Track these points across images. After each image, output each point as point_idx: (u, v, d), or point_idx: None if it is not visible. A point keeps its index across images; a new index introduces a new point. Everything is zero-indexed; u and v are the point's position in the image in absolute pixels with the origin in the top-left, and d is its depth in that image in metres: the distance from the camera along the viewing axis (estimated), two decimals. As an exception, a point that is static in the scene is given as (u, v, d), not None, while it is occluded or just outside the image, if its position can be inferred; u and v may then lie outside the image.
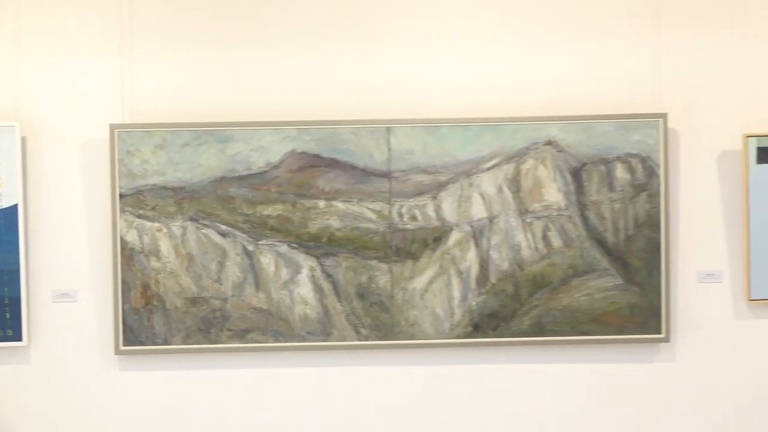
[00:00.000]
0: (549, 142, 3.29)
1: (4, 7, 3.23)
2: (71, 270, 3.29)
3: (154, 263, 3.25)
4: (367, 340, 3.31)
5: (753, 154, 3.29)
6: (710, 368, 3.37)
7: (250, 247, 3.29)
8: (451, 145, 3.28)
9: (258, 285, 3.30)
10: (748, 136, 3.27)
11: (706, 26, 3.35)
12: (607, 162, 3.28)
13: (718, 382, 3.36)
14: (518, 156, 3.27)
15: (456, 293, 3.27)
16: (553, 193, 3.26)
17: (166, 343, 3.28)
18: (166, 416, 3.36)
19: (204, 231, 3.25)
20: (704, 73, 3.35)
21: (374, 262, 3.29)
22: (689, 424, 3.39)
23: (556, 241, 3.32)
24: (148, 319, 3.26)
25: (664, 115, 3.27)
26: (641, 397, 3.39)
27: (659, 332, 3.25)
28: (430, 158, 3.27)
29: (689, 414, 3.38)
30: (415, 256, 3.28)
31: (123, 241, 3.20)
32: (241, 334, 3.31)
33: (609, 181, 3.31)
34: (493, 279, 3.26)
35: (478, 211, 3.27)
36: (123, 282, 3.20)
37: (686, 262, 3.36)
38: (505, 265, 3.26)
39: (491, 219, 3.30)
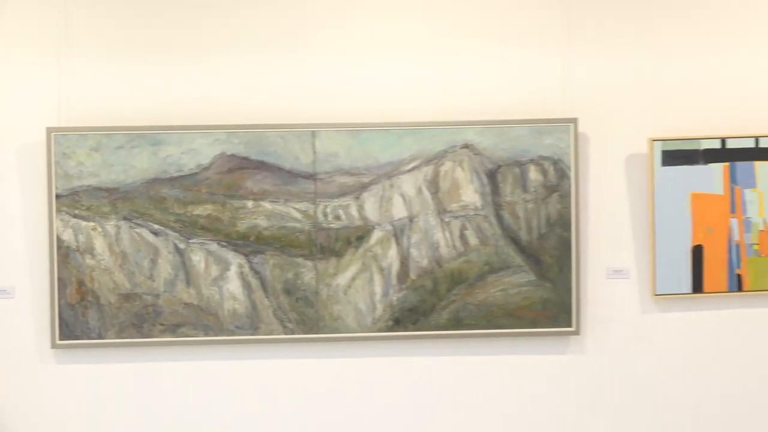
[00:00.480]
0: (466, 146, 3.44)
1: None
2: (9, 267, 3.42)
3: (89, 261, 3.40)
4: (293, 334, 3.46)
5: (658, 157, 3.47)
6: (617, 359, 3.53)
7: (182, 246, 3.44)
8: (374, 148, 3.42)
9: (189, 281, 3.45)
10: (654, 140, 3.44)
11: (613, 37, 3.53)
12: (520, 164, 3.42)
13: (624, 371, 3.50)
14: (437, 158, 3.40)
15: (378, 289, 3.40)
16: (470, 194, 3.40)
17: (100, 337, 3.40)
18: (100, 407, 3.49)
19: (137, 230, 3.40)
20: (612, 80, 3.52)
21: (300, 260, 3.43)
22: (598, 411, 3.58)
23: (473, 240, 3.49)
24: (83, 314, 3.40)
25: (574, 120, 3.42)
26: (553, 387, 3.56)
27: (570, 326, 3.41)
28: (353, 161, 3.39)
29: (598, 402, 3.57)
30: (339, 254, 3.39)
31: (59, 240, 3.37)
32: (173, 329, 3.44)
33: (523, 182, 3.46)
34: (413, 275, 3.40)
35: (398, 211, 3.40)
36: (59, 279, 3.37)
37: (595, 259, 3.53)
38: (425, 262, 3.40)
39: (411, 218, 3.44)
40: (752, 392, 3.58)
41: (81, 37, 3.42)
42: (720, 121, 3.51)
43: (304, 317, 3.46)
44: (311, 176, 3.45)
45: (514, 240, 3.43)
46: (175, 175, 3.42)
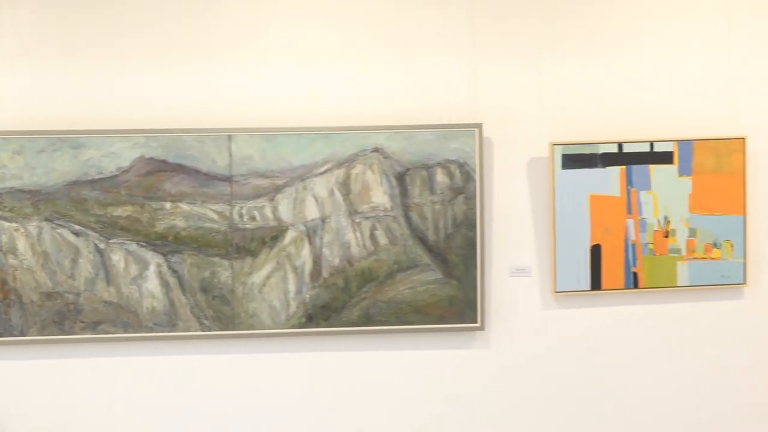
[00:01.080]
0: (376, 149, 3.50)
1: None
2: (-67, 267, 3.44)
3: (12, 260, 3.55)
4: (209, 331, 3.59)
5: (558, 161, 3.59)
6: (520, 353, 3.61)
7: (102, 246, 3.58)
8: (287, 152, 3.48)
9: (109, 280, 3.59)
10: (555, 145, 3.52)
11: (517, 45, 3.68)
12: (428, 167, 3.48)
13: (527, 365, 3.56)
14: (348, 162, 3.46)
15: (291, 287, 3.48)
16: (380, 196, 3.47)
17: (22, 334, 3.51)
18: (22, 403, 3.63)
19: (59, 231, 3.51)
20: (516, 87, 3.68)
21: (216, 259, 3.50)
22: (502, 402, 3.73)
23: (383, 239, 3.60)
24: (6, 312, 3.53)
25: (479, 125, 3.50)
26: (459, 380, 3.71)
27: (475, 321, 3.50)
28: (268, 164, 3.43)
29: (502, 394, 3.70)
30: (254, 254, 3.46)
31: (-18, 240, 3.42)
32: (93, 326, 3.55)
33: (430, 184, 3.52)
34: (325, 274, 3.48)
35: (311, 212, 3.47)
36: (-18, 278, 3.41)
37: (499, 258, 3.62)
38: (336, 261, 3.47)
39: (324, 219, 3.51)
40: (646, 385, 3.78)
41: (2, 42, 3.53)
42: (617, 127, 3.70)
43: (221, 314, 3.55)
44: (227, 179, 3.57)
45: (422, 240, 3.52)
46: (96, 177, 3.51)
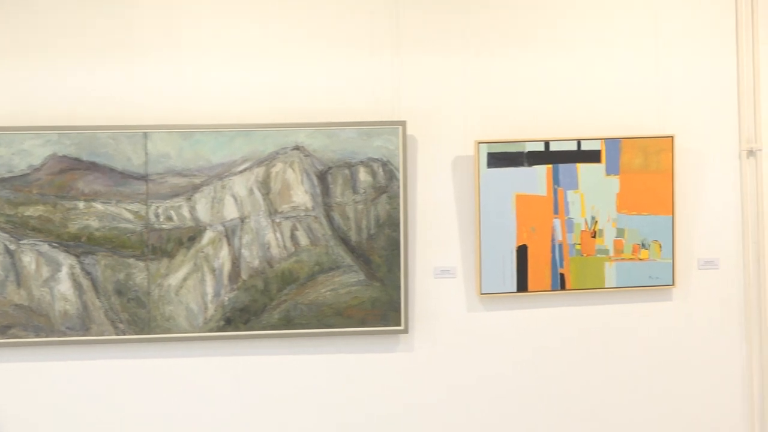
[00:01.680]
0: (297, 147, 3.58)
1: None
2: None
3: None
4: (124, 335, 3.58)
5: (484, 159, 3.67)
6: (444, 356, 3.71)
7: (12, 247, 3.56)
8: (205, 150, 3.54)
9: (19, 283, 3.57)
10: (480, 143, 3.60)
11: (442, 42, 3.70)
12: (350, 166, 3.56)
13: (451, 367, 3.65)
14: (268, 160, 3.51)
15: (209, 289, 3.51)
16: (301, 195, 3.52)
17: (-72, 338, 3.37)
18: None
19: (-33, 231, 3.40)
20: (440, 84, 3.70)
21: (132, 260, 3.56)
22: (426, 407, 3.75)
23: (304, 240, 3.64)
24: None
25: (403, 123, 3.56)
26: (383, 385, 3.72)
27: (399, 324, 3.54)
28: (185, 162, 3.51)
29: (426, 398, 3.75)
30: (170, 255, 3.50)
31: None
32: (3, 330, 3.54)
33: (353, 183, 3.59)
34: (244, 276, 3.52)
35: (230, 211, 3.52)
36: None
37: (423, 258, 3.71)
38: (256, 263, 3.50)
39: (243, 219, 3.56)
40: (574, 388, 3.79)
41: None
42: (544, 125, 3.72)
43: (136, 318, 3.58)
44: (143, 177, 3.58)
45: (344, 240, 3.55)
46: (6, 176, 3.52)
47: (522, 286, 3.74)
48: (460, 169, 3.73)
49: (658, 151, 3.75)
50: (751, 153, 3.86)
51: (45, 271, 3.58)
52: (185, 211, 3.61)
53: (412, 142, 3.70)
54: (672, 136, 3.75)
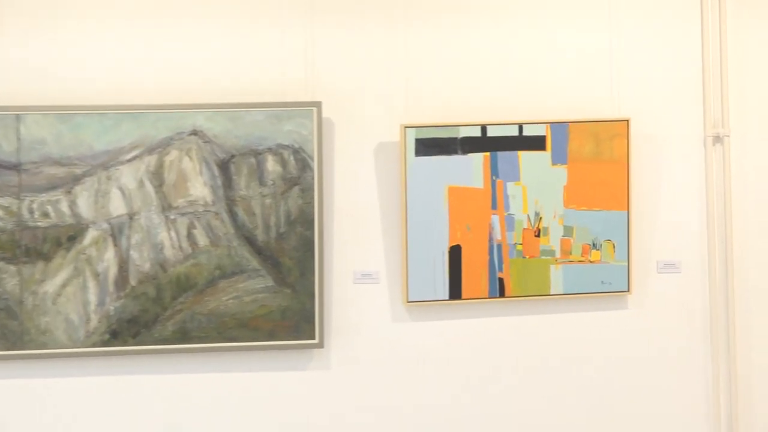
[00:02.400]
0: (195, 132, 3.65)
1: None
2: None
3: None
4: (-8, 351, 3.60)
5: (411, 146, 3.74)
6: (366, 374, 3.77)
7: None
8: (88, 135, 3.59)
9: None
10: (406, 127, 3.68)
11: (363, 14, 3.89)
12: (257, 154, 3.68)
13: (373, 387, 3.75)
14: (161, 147, 3.64)
15: (92, 297, 3.61)
16: (199, 188, 3.65)
17: None
18: None
19: None
20: (361, 61, 3.90)
21: (1, 264, 3.57)
22: (343, 431, 3.63)
23: (203, 240, 3.70)
24: None
25: (317, 104, 3.64)
26: (295, 407, 3.76)
27: (312, 337, 3.69)
28: (63, 149, 3.57)
29: (345, 422, 3.81)
30: (47, 257, 3.59)
31: None
32: None
33: (259, 174, 3.68)
34: (133, 281, 3.63)
35: (117, 207, 3.63)
36: None
37: (341, 261, 3.78)
38: (147, 266, 3.63)
39: (132, 216, 3.65)
40: (515, 408, 4.03)
41: None
42: (481, 107, 3.95)
43: (6, 330, 3.58)
44: (15, 167, 3.62)
45: (250, 240, 3.67)
46: None
47: (455, 292, 3.86)
48: (383, 158, 3.83)
49: (612, 137, 4.02)
50: (717, 139, 4.14)
51: None
52: (64, 207, 3.64)
53: (328, 127, 3.83)
54: (627, 120, 4.00)
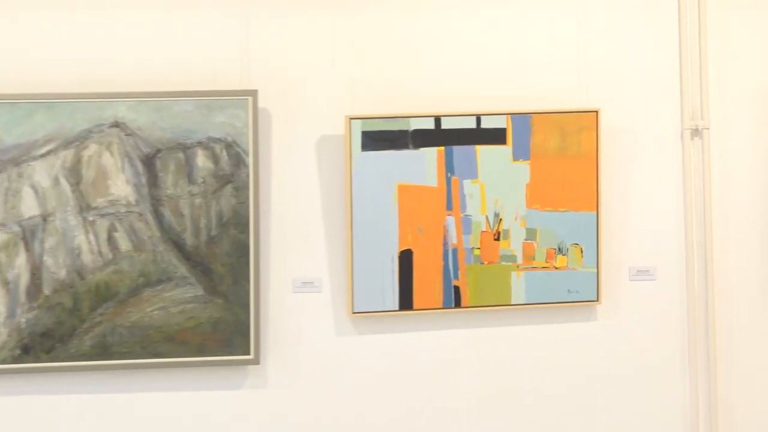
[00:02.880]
0: (116, 124, 3.74)
1: None
2: None
3: None
4: None
5: (357, 140, 3.84)
6: (307, 393, 3.89)
7: None
8: None
9: None
10: (352, 119, 3.78)
11: None
12: (185, 148, 3.78)
13: (315, 408, 3.88)
14: (79, 140, 3.71)
15: (1, 308, 3.68)
16: (121, 186, 3.74)
17: None
18: None
19: None
20: (303, 46, 3.96)
21: None
22: None
23: (125, 244, 3.79)
24: None
25: (253, 93, 3.74)
26: (227, 430, 3.89)
27: (247, 353, 3.78)
28: None
29: None
30: None
31: None
32: None
33: (188, 171, 3.80)
34: (47, 290, 3.71)
35: (29, 207, 3.70)
36: None
37: (280, 268, 3.88)
38: (62, 274, 3.70)
39: (45, 217, 3.71)
40: (470, 429, 4.05)
41: None
42: (434, 97, 4.01)
43: None
44: None
45: (177, 244, 3.78)
46: None
47: (406, 302, 3.97)
48: (327, 153, 3.95)
49: (579, 129, 4.18)
50: (696, 132, 4.29)
51: None
52: (-31, 207, 3.53)
53: (265, 118, 3.91)
54: (596, 111, 4.13)
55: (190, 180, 3.88)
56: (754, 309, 4.31)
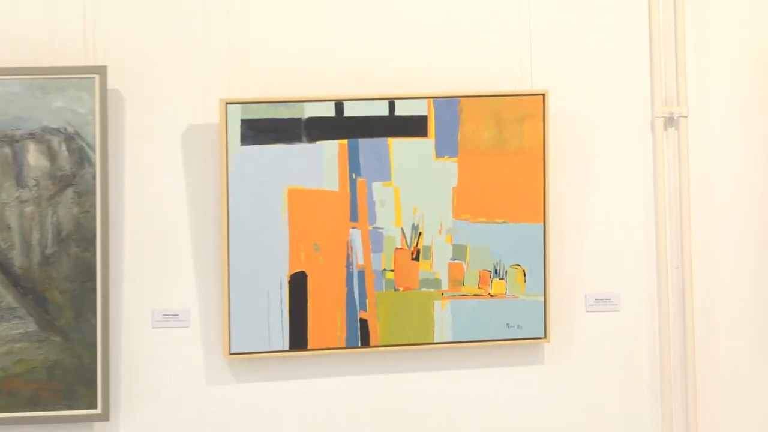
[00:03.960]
0: None
1: None
2: None
3: None
4: None
5: (236, 131, 4.12)
6: None
7: None
8: None
9: None
10: (229, 103, 4.03)
11: None
12: (13, 141, 3.98)
13: None
14: None
15: None
16: None
17: None
18: None
19: None
20: (164, 13, 4.28)
21: None
22: None
23: None
24: None
25: (101, 70, 3.94)
26: None
27: (93, 406, 3.98)
28: None
29: None
30: None
31: None
32: None
33: (17, 170, 4.02)
34: None
35: None
36: None
37: (136, 296, 4.13)
38: None
39: None
40: None
41: None
42: (335, 76, 4.24)
43: None
44: None
45: (2, 266, 3.99)
46: None
47: (298, 340, 4.25)
48: (196, 147, 4.21)
49: (521, 117, 4.34)
50: (670, 121, 4.52)
51: None
52: None
53: (116, 103, 4.15)
54: (543, 94, 4.29)
55: (20, 182, 4.06)
56: (745, 348, 4.64)
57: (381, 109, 4.47)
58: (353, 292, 4.50)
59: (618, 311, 4.68)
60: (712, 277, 4.68)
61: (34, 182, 4.12)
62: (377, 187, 4.46)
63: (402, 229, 4.48)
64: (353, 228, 4.48)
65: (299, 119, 4.34)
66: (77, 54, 4.32)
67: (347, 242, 4.50)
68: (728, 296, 4.68)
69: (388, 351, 4.48)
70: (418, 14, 4.47)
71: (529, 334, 4.63)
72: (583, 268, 4.63)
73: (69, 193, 4.15)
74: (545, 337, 4.57)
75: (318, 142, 4.37)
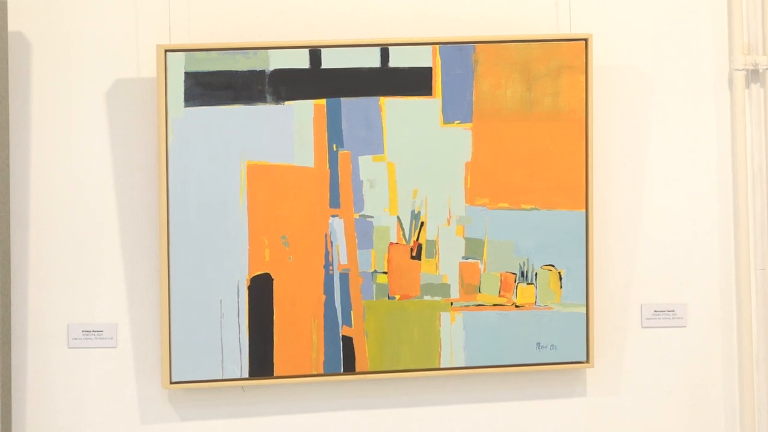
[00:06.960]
0: None
1: None
2: None
3: None
4: None
5: (179, 87, 4.08)
6: None
7: None
8: None
9: None
10: (170, 51, 4.00)
11: None
12: None
13: None
14: None
15: None
16: None
17: None
18: None
19: None
20: None
21: None
22: None
23: None
24: None
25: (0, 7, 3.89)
26: None
27: None
28: None
29: None
30: None
31: None
32: None
33: None
34: None
35: None
36: None
37: (46, 306, 4.20)
38: None
39: None
40: None
41: None
42: (311, 17, 4.33)
43: None
44: None
45: None
46: None
47: (261, 365, 4.26)
48: (126, 110, 4.30)
49: (557, 70, 4.33)
50: (754, 75, 4.50)
51: None
52: None
53: (19, 49, 4.25)
54: (586, 39, 4.30)
55: None
56: None
57: (371, 59, 4.35)
58: (333, 302, 4.36)
59: (684, 326, 4.55)
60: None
61: None
62: (365, 162, 4.35)
63: (398, 217, 4.39)
64: (334, 216, 4.35)
65: (262, 72, 4.25)
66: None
67: (326, 235, 4.36)
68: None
69: (379, 379, 4.37)
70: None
71: (567, 357, 4.45)
72: (638, 270, 4.50)
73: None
74: (588, 361, 4.43)
75: (287, 103, 4.25)
